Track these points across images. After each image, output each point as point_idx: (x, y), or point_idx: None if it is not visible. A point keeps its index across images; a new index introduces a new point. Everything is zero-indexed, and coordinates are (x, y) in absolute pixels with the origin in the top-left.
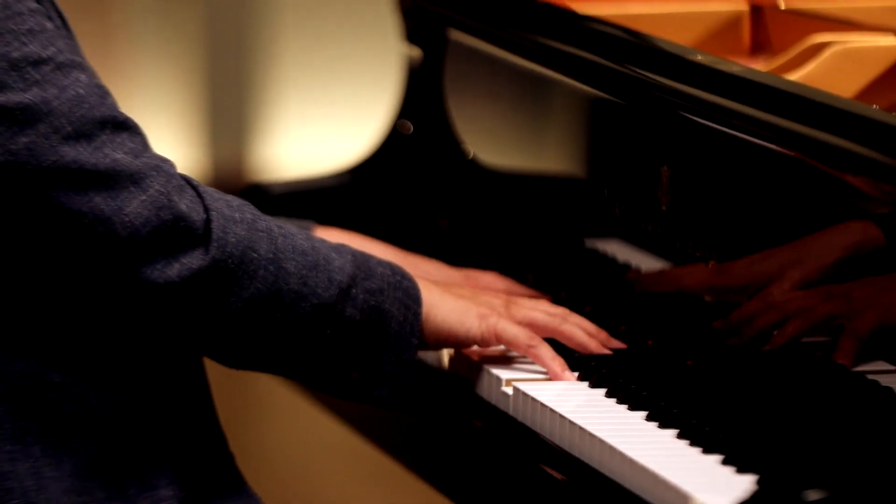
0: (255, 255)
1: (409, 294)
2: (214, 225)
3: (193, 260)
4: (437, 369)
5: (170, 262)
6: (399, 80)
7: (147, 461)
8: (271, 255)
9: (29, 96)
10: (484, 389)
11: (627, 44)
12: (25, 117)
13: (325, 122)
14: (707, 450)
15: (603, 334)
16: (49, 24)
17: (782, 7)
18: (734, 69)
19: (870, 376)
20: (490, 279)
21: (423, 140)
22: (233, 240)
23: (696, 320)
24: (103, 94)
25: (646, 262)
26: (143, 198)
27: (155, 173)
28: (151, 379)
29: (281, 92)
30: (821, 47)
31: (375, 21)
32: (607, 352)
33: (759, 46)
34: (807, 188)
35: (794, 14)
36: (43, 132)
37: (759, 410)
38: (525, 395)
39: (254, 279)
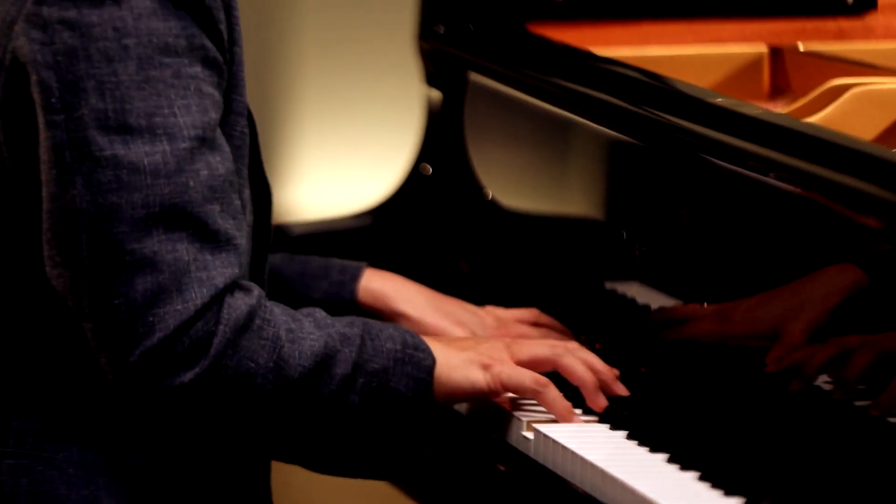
0: (253, 366)
1: (419, 366)
2: (217, 339)
3: (188, 373)
4: (456, 411)
5: (165, 371)
6: (419, 123)
7: None
8: (272, 365)
9: (147, 161)
10: (504, 431)
11: (647, 86)
12: (129, 179)
13: (346, 164)
14: (729, 492)
15: (611, 373)
16: (211, 92)
17: (801, 50)
18: (754, 111)
19: None
20: (524, 319)
21: (443, 182)
22: (230, 352)
23: (718, 363)
24: (212, 198)
25: (666, 305)
26: (179, 307)
27: (205, 290)
28: (212, 450)
29: (301, 133)
30: (840, 90)
31: (396, 64)
32: (622, 392)
33: (779, 89)
34: (827, 231)
35: (814, 57)
36: (134, 201)
37: (782, 453)
38: (546, 437)
39: (251, 388)
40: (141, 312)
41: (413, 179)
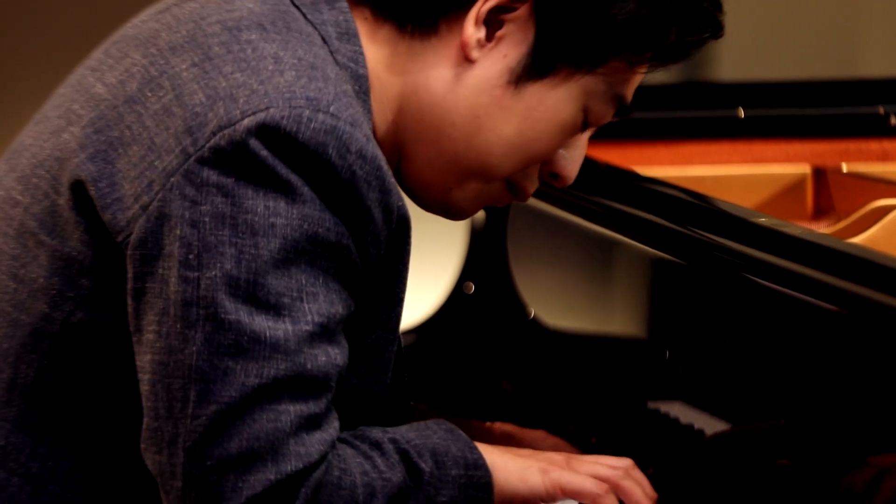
0: None
1: (478, 485)
2: (298, 502)
3: None
4: None
5: None
6: (462, 241)
7: None
8: None
9: (269, 334)
10: None
11: (690, 205)
12: (249, 347)
13: None
14: None
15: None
16: (338, 288)
17: (845, 171)
18: (797, 232)
19: None
20: (551, 444)
21: (486, 300)
22: None
23: (768, 485)
24: (325, 384)
25: (709, 425)
26: (271, 476)
27: (300, 463)
28: None
29: None
30: (884, 210)
31: None
32: None
33: (823, 210)
34: (871, 352)
35: (857, 178)
36: (249, 369)
37: None
38: None
39: None
40: (232, 476)
41: (456, 298)
